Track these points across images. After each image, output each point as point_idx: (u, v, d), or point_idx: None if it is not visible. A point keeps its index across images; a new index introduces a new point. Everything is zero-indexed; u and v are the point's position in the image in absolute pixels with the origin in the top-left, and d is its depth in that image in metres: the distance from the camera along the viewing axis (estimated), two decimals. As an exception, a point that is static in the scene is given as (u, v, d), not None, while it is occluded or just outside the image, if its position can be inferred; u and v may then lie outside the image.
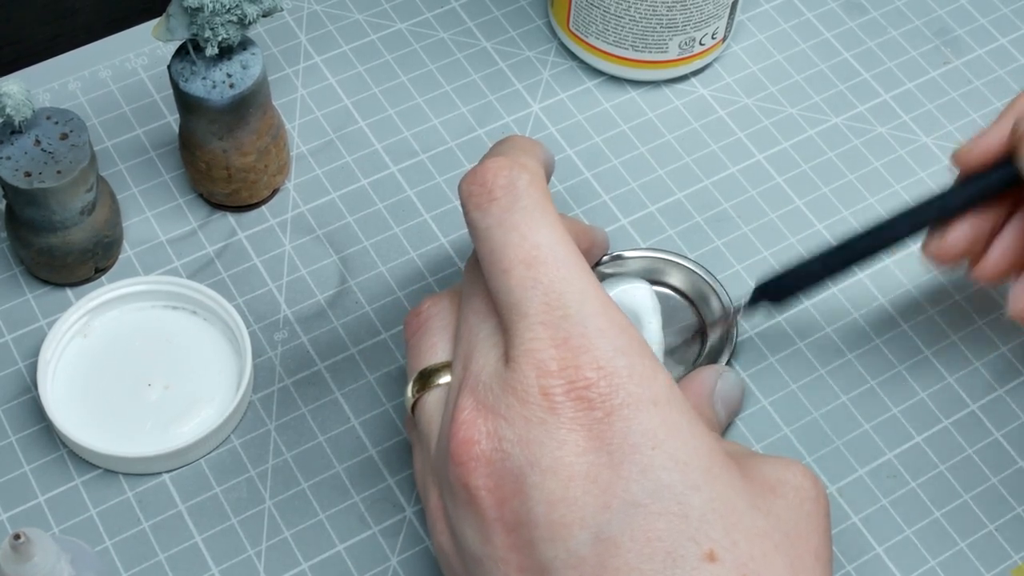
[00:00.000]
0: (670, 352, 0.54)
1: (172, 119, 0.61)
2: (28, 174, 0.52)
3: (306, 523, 0.51)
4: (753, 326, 0.56)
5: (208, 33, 0.52)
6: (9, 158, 0.52)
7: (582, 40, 0.62)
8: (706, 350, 0.55)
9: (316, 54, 0.63)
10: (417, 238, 0.58)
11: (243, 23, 0.52)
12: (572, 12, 0.62)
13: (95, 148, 0.55)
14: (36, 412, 0.53)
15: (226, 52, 0.53)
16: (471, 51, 0.64)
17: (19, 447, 0.52)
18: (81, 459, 0.52)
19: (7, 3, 0.64)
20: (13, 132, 0.52)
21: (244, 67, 0.53)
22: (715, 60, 0.64)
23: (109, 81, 0.62)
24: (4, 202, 0.55)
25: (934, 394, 0.55)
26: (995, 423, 0.54)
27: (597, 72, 0.63)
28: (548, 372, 0.40)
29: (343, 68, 0.63)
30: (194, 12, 0.51)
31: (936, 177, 0.61)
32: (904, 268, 0.58)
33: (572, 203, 0.59)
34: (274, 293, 0.56)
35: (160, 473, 0.52)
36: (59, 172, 0.52)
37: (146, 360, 0.53)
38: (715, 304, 0.55)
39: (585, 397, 0.40)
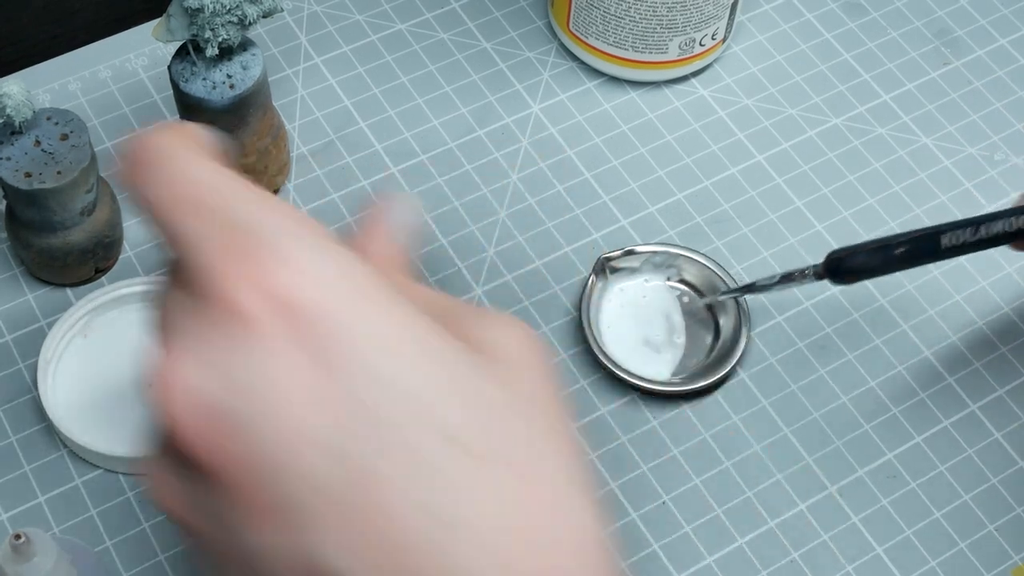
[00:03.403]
0: (654, 347, 0.55)
1: (172, 120, 0.61)
2: (28, 175, 0.52)
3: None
4: (754, 327, 0.56)
5: (208, 34, 0.51)
6: (9, 159, 0.52)
7: (582, 41, 0.62)
8: (719, 344, 0.55)
9: (316, 55, 0.63)
10: (417, 238, 0.58)
11: (243, 24, 0.52)
12: (572, 13, 0.62)
13: (95, 149, 0.55)
14: (36, 412, 0.53)
15: (226, 53, 0.53)
16: (471, 52, 0.64)
17: (19, 447, 0.52)
18: (81, 459, 0.52)
19: (7, 3, 0.64)
20: (13, 133, 0.52)
21: (244, 68, 0.53)
22: (715, 61, 0.64)
23: (109, 81, 0.62)
24: (4, 202, 0.55)
25: (934, 394, 0.55)
26: (995, 423, 0.54)
27: (597, 73, 0.63)
28: (226, 288, 0.35)
29: (343, 69, 0.63)
30: (194, 13, 0.51)
31: (936, 177, 0.61)
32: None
33: (572, 203, 0.59)
34: (274, 293, 0.56)
35: (160, 473, 0.52)
36: (59, 173, 0.52)
37: (146, 360, 0.53)
38: (728, 299, 0.56)
39: (281, 305, 0.35)
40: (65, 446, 0.52)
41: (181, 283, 0.37)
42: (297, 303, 0.35)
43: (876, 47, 0.65)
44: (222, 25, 0.51)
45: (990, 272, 0.58)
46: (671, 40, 0.61)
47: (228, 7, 0.51)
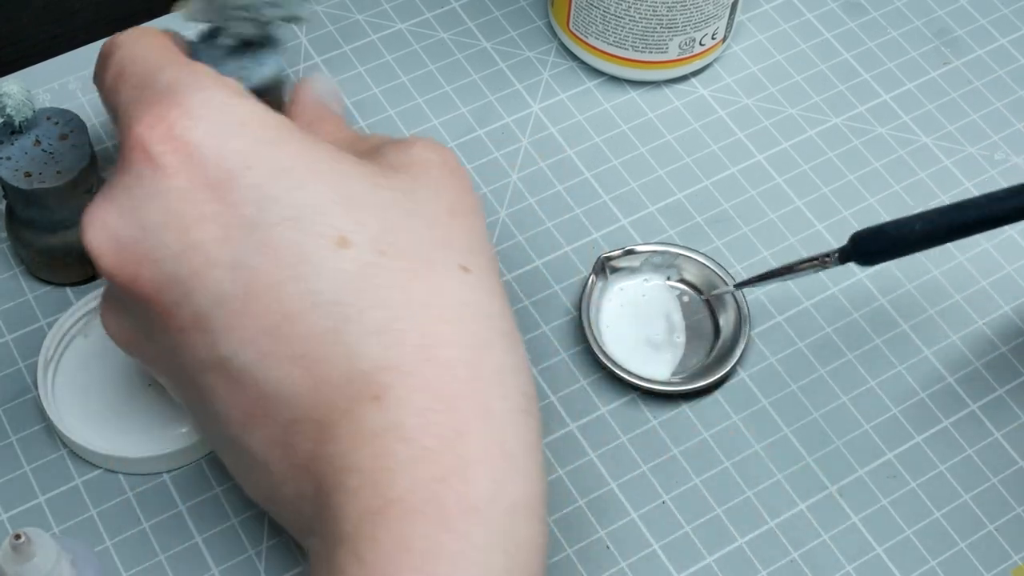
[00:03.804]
0: (654, 347, 0.55)
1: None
2: (28, 174, 0.52)
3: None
4: (755, 326, 0.56)
5: (224, 24, 0.51)
6: (9, 158, 0.52)
7: (582, 40, 0.62)
8: (719, 343, 0.55)
9: (316, 55, 0.63)
10: None
11: (260, 23, 0.51)
12: (572, 12, 0.62)
13: (95, 148, 0.55)
14: (36, 412, 0.53)
15: (246, 46, 0.53)
16: (471, 51, 0.64)
17: (19, 447, 0.52)
18: (81, 459, 0.52)
19: (7, 3, 0.64)
20: (13, 132, 0.52)
21: (260, 64, 0.53)
22: (715, 60, 0.64)
23: (109, 81, 0.62)
24: (4, 202, 0.55)
25: (934, 394, 0.55)
26: (995, 423, 0.54)
27: (597, 72, 0.63)
28: (139, 135, 0.41)
29: (343, 69, 0.63)
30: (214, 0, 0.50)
31: (936, 177, 0.61)
32: (904, 268, 0.58)
33: (572, 203, 0.59)
34: (274, 293, 0.56)
35: (160, 473, 0.52)
36: (59, 172, 0.52)
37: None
38: (728, 298, 0.55)
39: (182, 146, 0.40)
40: (65, 446, 0.52)
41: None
42: (196, 144, 0.40)
43: (876, 47, 0.65)
44: (239, 19, 0.51)
45: (990, 272, 0.58)
46: (671, 40, 0.61)
47: (247, 4, 0.50)
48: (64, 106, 0.60)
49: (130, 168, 0.41)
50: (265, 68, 0.52)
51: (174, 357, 0.42)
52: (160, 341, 0.42)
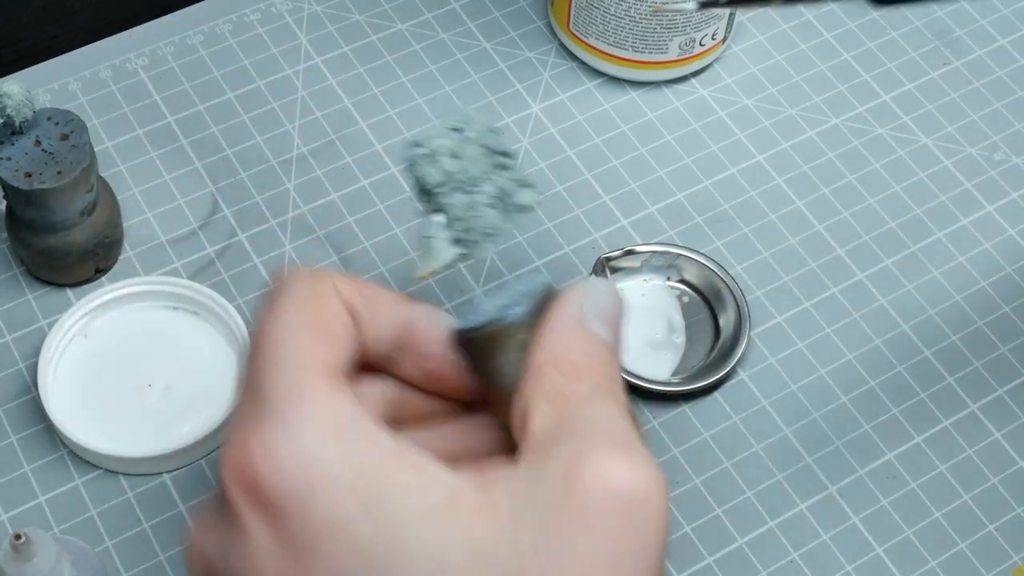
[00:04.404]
0: (654, 347, 0.55)
1: (172, 119, 0.61)
2: (28, 175, 0.52)
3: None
4: (755, 325, 0.56)
5: (468, 247, 0.45)
6: (9, 159, 0.52)
7: (582, 41, 0.62)
8: (719, 344, 0.55)
9: (316, 55, 0.63)
10: (417, 239, 0.58)
11: (505, 204, 0.45)
12: (572, 13, 0.62)
13: (95, 149, 0.55)
14: (37, 412, 0.53)
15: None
16: (471, 52, 0.64)
17: (20, 447, 0.52)
18: (81, 459, 0.52)
19: (7, 3, 0.64)
20: (13, 133, 0.52)
21: (526, 286, 0.43)
22: (715, 61, 0.64)
23: (109, 81, 0.62)
24: (4, 203, 0.55)
25: (934, 394, 0.55)
26: (995, 423, 0.54)
27: (597, 73, 0.63)
28: (226, 467, 0.38)
29: (343, 69, 0.63)
30: (434, 196, 0.45)
31: (936, 177, 0.61)
32: (904, 269, 0.58)
33: (572, 203, 0.59)
34: (274, 293, 0.56)
35: (160, 473, 0.52)
36: (59, 173, 0.52)
37: (147, 361, 0.53)
38: (728, 298, 0.55)
39: (253, 492, 0.37)
40: (65, 446, 0.52)
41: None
42: (276, 502, 0.37)
43: (876, 47, 0.65)
44: (481, 214, 0.45)
45: (990, 272, 0.58)
46: (671, 40, 0.61)
47: (476, 177, 0.45)
48: (64, 106, 0.60)
49: (221, 501, 0.38)
50: (535, 286, 0.43)
51: None
52: None
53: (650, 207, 0.59)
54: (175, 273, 0.57)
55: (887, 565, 0.51)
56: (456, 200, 0.45)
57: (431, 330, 0.42)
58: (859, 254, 0.59)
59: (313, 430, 0.37)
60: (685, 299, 0.56)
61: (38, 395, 0.52)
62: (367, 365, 0.42)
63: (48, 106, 0.58)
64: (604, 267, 0.56)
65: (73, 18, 0.65)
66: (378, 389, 0.43)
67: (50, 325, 0.55)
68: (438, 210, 0.45)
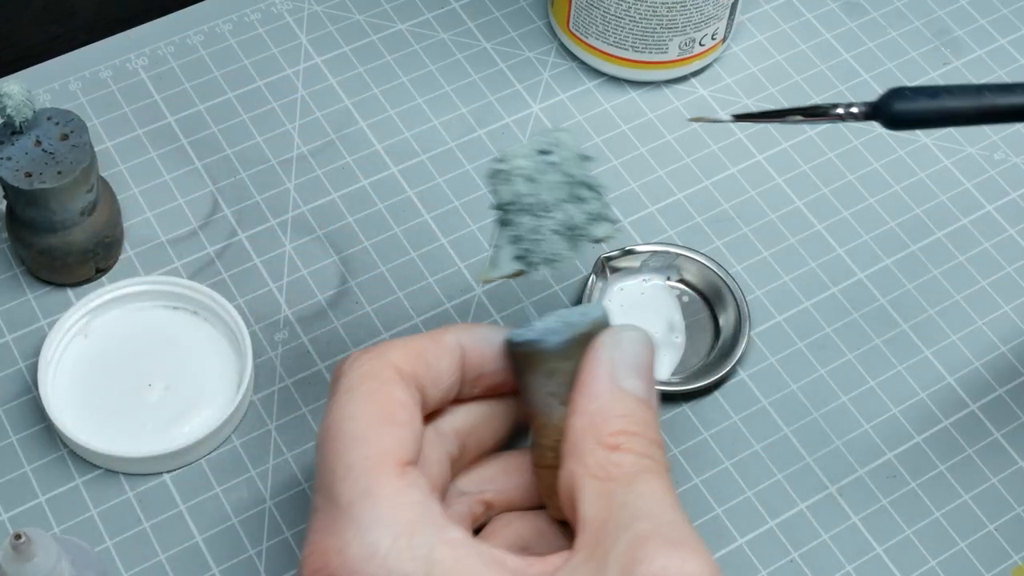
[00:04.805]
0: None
1: (172, 119, 0.61)
2: (29, 174, 0.52)
3: (306, 523, 0.51)
4: (755, 325, 0.56)
5: (529, 262, 0.46)
6: (10, 158, 0.52)
7: (582, 41, 0.62)
8: (719, 343, 0.55)
9: (316, 55, 0.63)
10: (417, 238, 0.58)
11: (572, 235, 0.46)
12: (572, 13, 0.62)
13: (96, 148, 0.55)
14: (37, 412, 0.53)
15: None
16: (471, 52, 0.64)
17: (20, 447, 0.52)
18: (82, 459, 0.52)
19: (7, 3, 0.64)
20: (14, 133, 0.52)
21: (583, 315, 0.45)
22: (715, 61, 0.64)
23: (110, 81, 0.62)
24: (5, 202, 0.55)
25: (934, 394, 0.55)
26: (995, 423, 0.54)
27: (597, 73, 0.63)
28: (305, 570, 0.40)
29: (343, 69, 0.63)
30: (511, 216, 0.46)
31: (936, 177, 0.61)
32: (904, 269, 0.58)
33: (572, 203, 0.59)
34: (274, 293, 0.56)
35: (161, 473, 0.52)
36: (59, 173, 0.52)
37: (147, 360, 0.53)
38: (728, 298, 0.55)
39: None
40: (65, 446, 0.52)
41: None
42: None
43: (876, 47, 0.65)
44: (545, 239, 0.46)
45: (990, 272, 0.58)
46: (671, 40, 0.61)
47: (548, 204, 0.45)
48: (64, 106, 0.60)
49: None
50: (587, 318, 0.45)
51: None
52: None
53: (650, 207, 0.59)
54: (175, 273, 0.57)
55: (887, 565, 0.51)
56: (523, 221, 0.45)
57: (484, 349, 0.45)
58: (859, 254, 0.59)
59: (385, 531, 0.39)
60: (685, 299, 0.57)
61: (38, 395, 0.52)
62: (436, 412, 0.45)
63: (48, 106, 0.58)
64: (604, 267, 0.56)
65: (73, 18, 0.65)
66: (453, 436, 0.45)
67: (50, 325, 0.55)
68: (507, 224, 0.46)
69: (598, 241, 0.46)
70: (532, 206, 0.45)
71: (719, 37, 0.62)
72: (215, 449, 0.52)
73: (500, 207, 0.46)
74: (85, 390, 0.53)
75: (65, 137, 0.52)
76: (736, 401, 0.55)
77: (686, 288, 0.57)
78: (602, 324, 0.44)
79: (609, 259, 0.56)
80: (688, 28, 0.60)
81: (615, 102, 0.63)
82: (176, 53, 0.63)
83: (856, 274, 0.58)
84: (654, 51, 0.61)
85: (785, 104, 0.63)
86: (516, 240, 0.45)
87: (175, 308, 0.55)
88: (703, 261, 0.56)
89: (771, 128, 0.62)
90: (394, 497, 0.40)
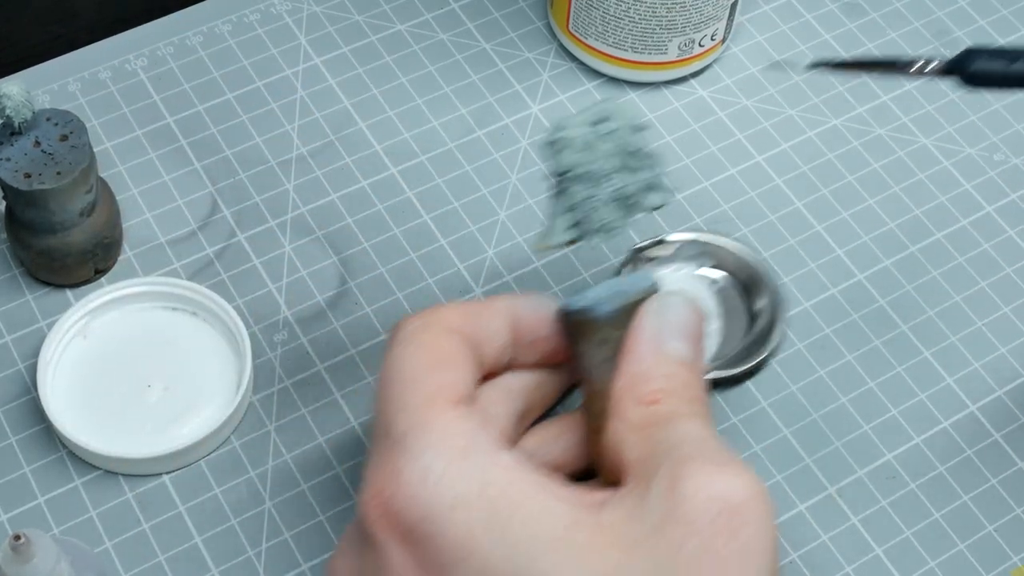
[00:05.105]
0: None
1: (172, 120, 0.61)
2: (28, 175, 0.52)
3: (306, 524, 0.51)
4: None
5: (585, 230, 0.47)
6: (9, 159, 0.52)
7: (581, 41, 0.62)
8: (755, 329, 0.55)
9: (316, 55, 0.63)
10: (417, 239, 0.58)
11: (626, 204, 0.46)
12: (572, 13, 0.62)
13: (95, 149, 0.55)
14: (36, 413, 0.53)
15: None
16: (471, 52, 0.64)
17: (19, 448, 0.52)
18: (81, 460, 0.52)
19: (7, 3, 0.64)
20: (13, 133, 0.52)
21: (633, 283, 0.45)
22: (714, 61, 0.64)
23: (109, 82, 0.62)
24: (4, 203, 0.55)
25: (934, 394, 0.55)
26: (995, 423, 0.54)
27: (596, 73, 0.63)
28: (365, 499, 0.41)
29: (343, 69, 0.63)
30: (567, 185, 0.46)
31: (936, 177, 0.61)
32: (904, 270, 0.58)
33: (572, 204, 0.59)
34: (274, 294, 0.56)
35: (160, 474, 0.52)
36: (59, 173, 0.52)
37: (146, 361, 0.53)
38: (763, 286, 0.55)
39: (387, 517, 0.40)
40: (65, 447, 0.52)
41: None
42: (410, 528, 0.39)
43: (876, 47, 0.65)
44: (599, 208, 0.46)
45: (990, 273, 0.58)
46: (670, 41, 0.61)
47: (603, 172, 0.46)
48: (64, 107, 0.60)
49: (359, 530, 0.41)
50: (637, 287, 0.45)
51: None
52: None
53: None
54: (174, 274, 0.57)
55: (887, 565, 0.51)
56: (578, 190, 0.46)
57: (536, 316, 0.45)
58: (858, 255, 0.59)
59: (438, 454, 0.40)
60: (717, 287, 0.56)
61: (38, 395, 0.52)
62: (491, 375, 0.45)
63: (48, 107, 0.58)
64: (636, 257, 0.56)
65: (73, 19, 0.65)
66: (505, 396, 0.45)
67: (50, 326, 0.55)
68: (562, 193, 0.46)
69: (653, 210, 0.47)
70: (587, 175, 0.45)
71: (719, 38, 0.62)
72: (214, 450, 0.52)
73: (555, 176, 0.46)
74: (84, 391, 0.53)
75: (64, 138, 0.52)
76: (735, 403, 0.54)
77: (719, 276, 0.56)
78: (652, 293, 0.45)
79: (640, 249, 0.56)
80: (688, 29, 0.60)
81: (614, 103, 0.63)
82: (175, 54, 0.63)
83: (855, 275, 0.58)
84: (653, 52, 0.61)
85: (786, 105, 0.63)
86: (570, 209, 0.46)
87: (174, 309, 0.55)
88: (735, 248, 0.56)
89: (770, 129, 0.62)
90: (447, 426, 0.40)
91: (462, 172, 0.60)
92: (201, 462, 0.52)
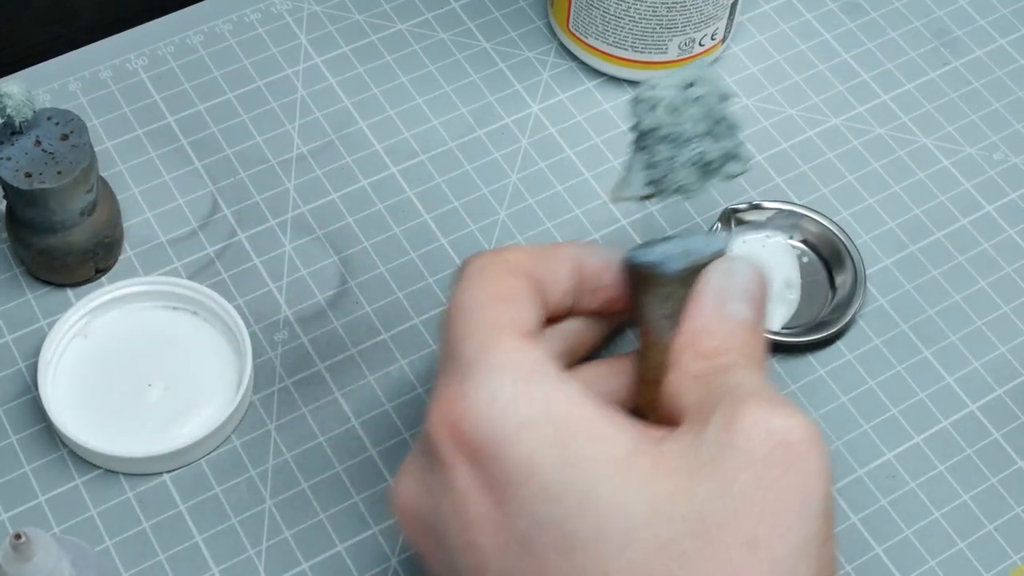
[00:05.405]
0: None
1: (172, 119, 0.61)
2: (28, 175, 0.52)
3: (306, 523, 0.51)
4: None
5: (661, 187, 0.47)
6: (9, 159, 0.52)
7: (582, 41, 0.62)
8: (834, 302, 0.56)
9: (316, 55, 0.64)
10: (417, 238, 0.58)
11: (705, 168, 0.46)
12: (572, 13, 0.62)
13: (96, 149, 0.55)
14: (37, 412, 0.53)
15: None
16: (471, 52, 0.64)
17: (20, 447, 0.52)
18: (81, 459, 0.52)
19: (7, 3, 0.64)
20: (14, 133, 0.52)
21: (707, 244, 0.46)
22: (715, 61, 0.64)
23: (110, 82, 0.62)
24: (4, 203, 0.55)
25: (934, 394, 0.55)
26: (995, 423, 0.54)
27: (597, 73, 0.63)
28: (433, 421, 0.41)
29: (343, 69, 0.63)
30: (648, 142, 0.46)
31: (936, 177, 0.61)
32: (903, 269, 0.58)
33: (572, 204, 0.59)
34: (274, 294, 0.56)
35: (160, 473, 0.52)
36: (59, 173, 0.52)
37: (146, 360, 0.53)
38: (847, 263, 0.56)
39: (456, 437, 0.40)
40: (65, 446, 0.52)
41: None
42: (478, 447, 0.40)
43: (875, 47, 0.65)
44: (679, 169, 0.47)
45: (989, 273, 0.58)
46: (671, 40, 0.61)
47: (687, 135, 0.46)
48: (64, 106, 0.60)
49: (426, 450, 0.42)
50: (708, 248, 0.45)
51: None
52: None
53: (650, 207, 0.60)
54: (175, 273, 0.57)
55: (886, 565, 0.51)
56: (660, 149, 0.46)
57: (600, 263, 0.46)
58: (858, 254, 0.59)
59: (505, 377, 0.40)
60: (805, 259, 0.57)
61: (38, 395, 0.52)
62: (552, 319, 0.46)
63: (48, 106, 0.58)
64: (730, 218, 0.56)
65: (73, 18, 0.65)
66: (560, 336, 0.47)
67: (50, 325, 0.55)
68: (643, 150, 0.46)
69: (729, 178, 0.47)
70: (671, 136, 0.46)
71: (719, 37, 0.62)
72: (215, 449, 0.52)
73: (639, 132, 0.46)
74: (85, 390, 0.53)
75: (65, 137, 0.52)
76: (736, 401, 0.54)
77: (807, 249, 0.57)
78: (720, 256, 0.45)
79: (736, 211, 0.57)
80: (688, 28, 0.60)
81: (615, 102, 0.63)
82: (176, 53, 0.63)
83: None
84: (654, 51, 0.61)
85: (785, 104, 0.63)
86: (650, 166, 0.46)
87: (175, 308, 0.55)
88: (826, 223, 0.57)
89: (770, 128, 0.62)
90: (513, 353, 0.41)
91: (462, 171, 0.60)
92: (201, 461, 0.52)
